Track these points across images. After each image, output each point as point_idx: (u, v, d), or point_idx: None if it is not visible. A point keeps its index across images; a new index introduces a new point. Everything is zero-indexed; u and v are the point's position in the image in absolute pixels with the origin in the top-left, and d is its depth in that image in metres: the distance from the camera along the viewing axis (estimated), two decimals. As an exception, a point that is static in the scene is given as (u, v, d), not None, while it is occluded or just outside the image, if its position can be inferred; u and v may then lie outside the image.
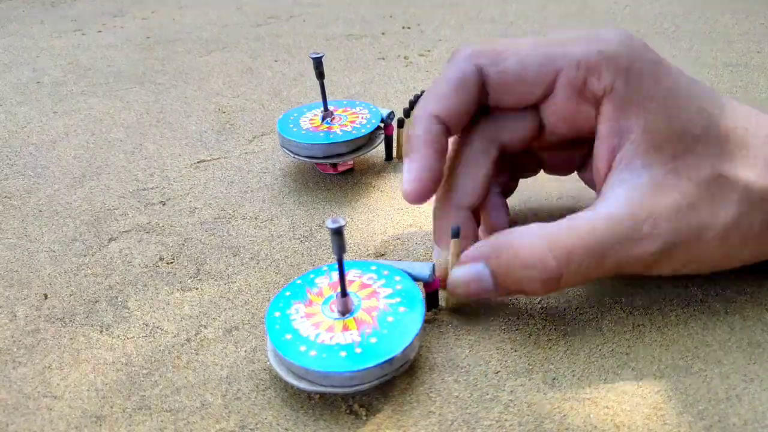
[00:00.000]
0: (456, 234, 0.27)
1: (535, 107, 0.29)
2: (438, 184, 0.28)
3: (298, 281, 0.28)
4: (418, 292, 0.27)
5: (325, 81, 0.40)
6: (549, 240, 0.25)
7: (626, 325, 0.28)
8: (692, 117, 0.26)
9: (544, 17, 0.76)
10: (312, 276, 0.28)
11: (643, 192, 0.25)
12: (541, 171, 0.34)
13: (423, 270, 0.28)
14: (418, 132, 0.28)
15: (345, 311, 0.26)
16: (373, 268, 0.28)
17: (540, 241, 0.25)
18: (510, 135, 0.29)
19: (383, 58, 0.64)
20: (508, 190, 0.34)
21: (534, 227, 0.26)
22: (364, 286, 0.27)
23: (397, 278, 0.27)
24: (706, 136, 0.26)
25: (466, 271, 0.26)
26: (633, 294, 0.30)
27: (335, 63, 0.63)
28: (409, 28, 0.74)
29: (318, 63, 0.38)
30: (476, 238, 0.29)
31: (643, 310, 0.29)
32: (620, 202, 0.25)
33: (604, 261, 0.25)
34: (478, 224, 0.30)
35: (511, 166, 0.33)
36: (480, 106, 0.29)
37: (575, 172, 0.34)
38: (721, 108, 0.26)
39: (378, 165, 0.43)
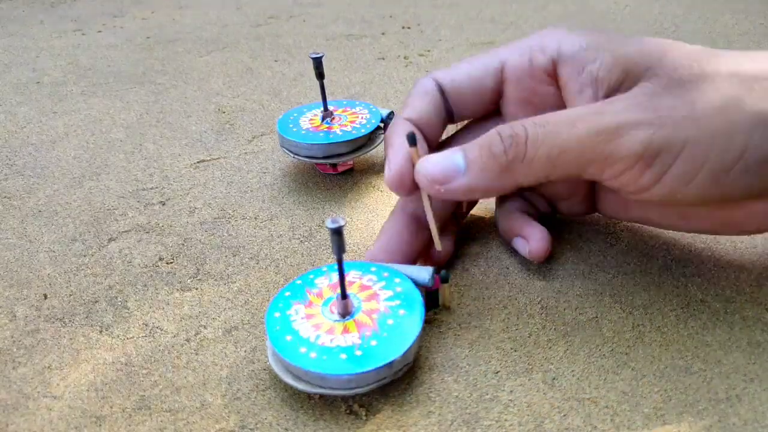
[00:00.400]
0: (412, 141, 0.27)
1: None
2: (410, 172, 0.28)
3: (298, 282, 0.28)
4: (418, 295, 0.27)
5: (325, 81, 0.40)
6: (525, 120, 0.25)
7: (626, 325, 0.28)
8: (639, 53, 0.26)
9: (544, 17, 0.76)
10: (311, 276, 0.28)
11: (626, 98, 0.25)
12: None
13: (422, 274, 0.27)
14: (394, 131, 0.29)
15: (345, 313, 0.26)
16: (373, 269, 0.28)
17: (515, 120, 0.26)
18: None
19: (383, 58, 0.64)
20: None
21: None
22: (364, 287, 0.27)
23: (397, 280, 0.27)
24: (654, 69, 0.25)
25: (438, 155, 0.26)
26: (633, 294, 0.30)
27: (335, 63, 0.63)
28: (409, 28, 0.74)
29: (318, 63, 0.38)
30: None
31: (643, 309, 0.29)
32: (600, 103, 0.25)
33: (583, 144, 0.24)
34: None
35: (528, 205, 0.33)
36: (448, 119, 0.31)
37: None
38: (666, 46, 0.26)
39: (378, 165, 0.43)
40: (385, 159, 0.29)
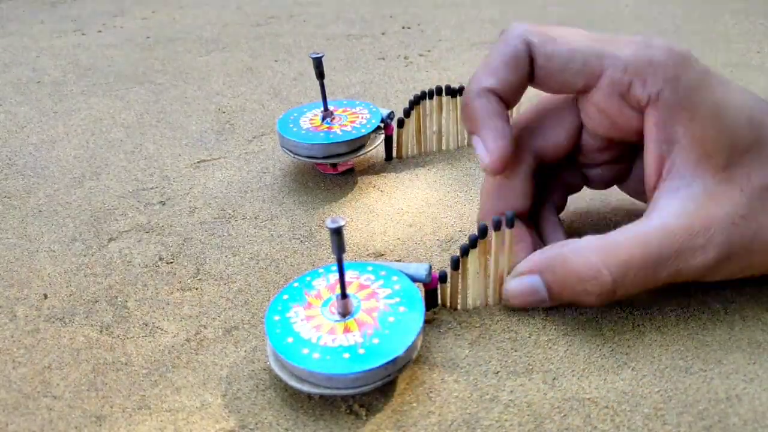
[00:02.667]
0: (510, 224, 0.27)
1: (575, 112, 0.29)
2: (511, 150, 0.28)
3: (295, 284, 0.28)
4: (417, 292, 0.27)
5: (325, 81, 0.40)
6: (604, 254, 0.25)
7: (626, 325, 0.28)
8: (742, 126, 0.26)
9: (545, 17, 0.76)
10: (309, 279, 0.28)
11: (696, 203, 0.25)
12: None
13: (419, 270, 0.28)
14: (478, 106, 0.28)
15: (345, 313, 0.26)
16: (370, 268, 0.28)
17: (595, 256, 0.25)
18: (542, 144, 0.30)
19: (383, 58, 0.64)
20: (559, 208, 0.34)
21: (588, 240, 0.26)
22: (362, 287, 0.27)
23: (395, 278, 0.27)
24: (757, 146, 0.26)
25: (521, 284, 0.28)
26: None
27: (335, 63, 0.63)
28: (409, 28, 0.74)
29: (318, 63, 0.38)
30: (532, 246, 0.30)
31: (643, 310, 0.29)
32: (673, 213, 0.25)
33: (658, 272, 0.25)
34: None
35: (559, 184, 0.33)
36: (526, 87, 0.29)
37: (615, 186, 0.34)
38: None
39: (378, 165, 0.43)
40: (471, 132, 0.28)
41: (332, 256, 0.33)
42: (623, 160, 0.31)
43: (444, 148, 0.44)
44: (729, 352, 0.26)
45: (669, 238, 0.25)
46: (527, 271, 0.27)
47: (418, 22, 0.76)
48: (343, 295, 0.25)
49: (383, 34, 0.72)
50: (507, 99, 0.28)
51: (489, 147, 0.27)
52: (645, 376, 0.26)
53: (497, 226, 0.27)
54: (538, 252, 0.28)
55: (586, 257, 0.26)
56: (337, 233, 0.23)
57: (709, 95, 0.26)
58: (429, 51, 0.66)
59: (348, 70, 0.61)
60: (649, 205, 0.27)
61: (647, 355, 0.26)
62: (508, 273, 0.28)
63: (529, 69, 0.28)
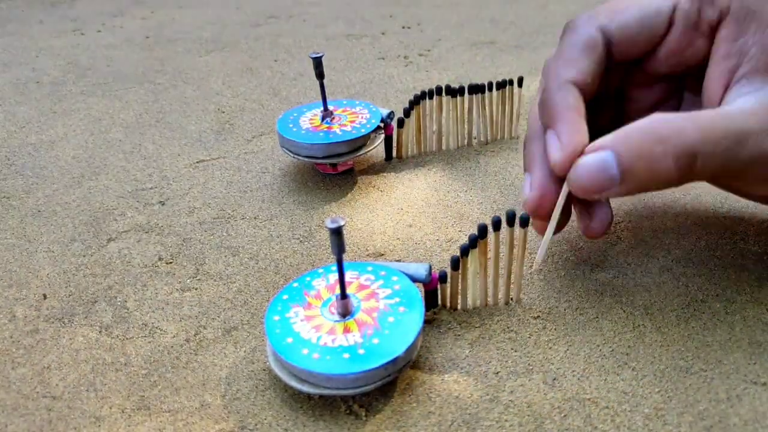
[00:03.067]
0: (524, 223, 0.26)
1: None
2: (584, 149, 0.26)
3: (295, 284, 0.28)
4: (417, 292, 0.27)
5: (325, 81, 0.39)
6: (684, 117, 0.24)
7: (626, 325, 0.28)
8: None
9: (545, 17, 0.76)
10: (308, 279, 0.28)
11: None
12: None
13: (419, 270, 0.27)
14: (557, 100, 0.26)
15: (345, 313, 0.26)
16: (370, 269, 0.28)
17: (675, 117, 0.24)
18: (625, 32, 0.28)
19: (383, 58, 0.64)
20: None
21: (663, 113, 0.24)
22: (362, 287, 0.27)
23: (395, 278, 0.27)
24: None
25: (590, 160, 0.24)
26: (633, 294, 0.30)
27: (335, 63, 0.63)
28: (409, 27, 0.74)
29: (318, 63, 0.38)
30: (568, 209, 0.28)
31: (644, 310, 0.29)
32: (750, 102, 0.24)
33: (742, 149, 0.23)
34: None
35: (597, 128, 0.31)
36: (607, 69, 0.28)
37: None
38: None
39: (378, 165, 0.43)
40: (547, 126, 0.27)
41: (332, 256, 0.33)
42: (672, 100, 0.31)
43: (444, 148, 0.44)
44: (729, 353, 0.26)
45: (752, 116, 0.24)
46: (597, 147, 0.25)
47: (417, 22, 0.76)
48: (343, 296, 0.25)
49: (383, 33, 0.72)
50: (587, 89, 0.27)
51: (563, 141, 0.26)
52: (645, 376, 0.26)
53: (497, 226, 0.27)
54: (609, 134, 0.25)
55: (666, 118, 0.24)
56: (336, 233, 0.23)
57: None
58: (429, 51, 0.66)
59: (348, 70, 0.61)
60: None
61: (647, 356, 0.26)
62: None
63: (604, 53, 0.27)
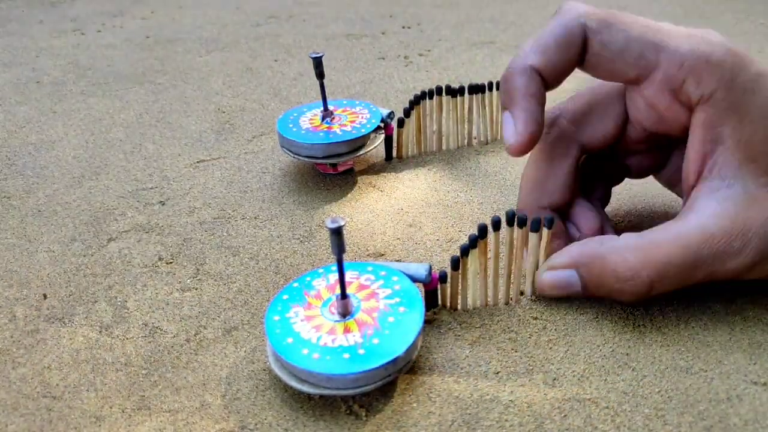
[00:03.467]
0: (549, 225, 0.27)
1: (621, 102, 0.30)
2: (539, 136, 0.27)
3: (295, 284, 0.28)
4: (417, 292, 0.27)
5: (325, 81, 0.40)
6: (643, 255, 0.26)
7: (627, 325, 0.28)
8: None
9: (545, 17, 0.76)
10: (308, 279, 0.28)
11: (735, 205, 0.25)
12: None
13: (419, 270, 0.27)
14: (518, 84, 0.27)
15: (345, 313, 0.26)
16: (370, 269, 0.28)
17: (634, 257, 0.26)
18: (590, 134, 0.30)
19: (383, 58, 0.64)
20: (603, 201, 0.34)
21: (626, 239, 0.27)
22: (362, 287, 0.27)
23: (395, 278, 0.27)
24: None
25: (556, 276, 0.28)
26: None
27: (335, 63, 0.63)
28: (409, 27, 0.74)
29: (318, 63, 0.38)
30: (567, 239, 0.30)
31: (644, 310, 0.29)
32: (712, 213, 0.25)
33: (695, 273, 0.25)
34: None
35: (601, 177, 0.33)
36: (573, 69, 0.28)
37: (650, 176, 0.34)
38: None
39: (378, 165, 0.43)
40: (503, 109, 0.28)
41: (332, 256, 0.33)
42: (662, 149, 0.31)
43: (444, 148, 0.44)
44: (730, 353, 0.26)
45: (707, 240, 0.25)
46: (564, 265, 0.28)
47: (417, 22, 0.76)
48: (343, 296, 0.25)
49: (383, 33, 0.72)
50: (550, 80, 0.27)
51: (518, 128, 0.27)
52: (645, 376, 0.26)
53: (497, 226, 0.27)
54: (576, 245, 0.28)
55: (625, 258, 0.26)
56: (336, 233, 0.23)
57: (761, 99, 0.25)
58: (429, 51, 0.66)
59: (348, 69, 0.61)
60: (686, 203, 0.27)
61: (648, 356, 0.26)
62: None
63: (579, 52, 0.27)
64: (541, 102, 0.27)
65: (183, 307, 0.31)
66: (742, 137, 0.25)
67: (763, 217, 0.25)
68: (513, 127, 0.27)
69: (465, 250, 0.27)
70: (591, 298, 0.29)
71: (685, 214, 0.26)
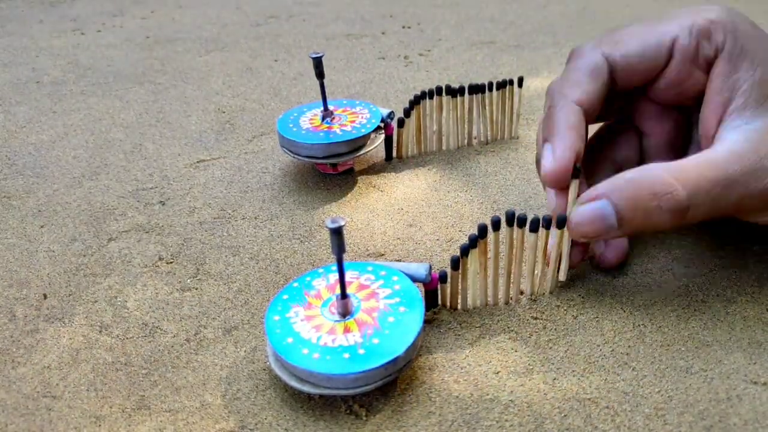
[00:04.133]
0: (576, 174, 0.27)
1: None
2: (571, 166, 0.28)
3: (295, 284, 0.28)
4: (417, 292, 0.27)
5: (325, 81, 0.40)
6: (677, 172, 0.26)
7: (627, 325, 0.28)
8: None
9: (545, 17, 0.76)
10: (308, 279, 0.28)
11: (759, 134, 0.26)
12: None
13: (419, 270, 0.27)
14: (560, 117, 0.28)
15: (345, 313, 0.26)
16: (370, 269, 0.28)
17: (667, 174, 0.26)
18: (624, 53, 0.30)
19: (383, 58, 0.64)
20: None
21: (654, 164, 0.27)
22: (362, 287, 0.27)
23: (395, 278, 0.27)
24: None
25: (589, 210, 0.26)
26: (634, 294, 0.30)
27: (335, 62, 0.63)
28: (409, 27, 0.74)
29: (318, 62, 0.38)
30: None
31: (644, 309, 0.29)
32: (737, 140, 0.26)
33: (729, 193, 0.25)
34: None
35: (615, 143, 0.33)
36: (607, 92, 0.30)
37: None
38: None
39: (378, 165, 0.43)
40: (542, 142, 0.29)
41: (332, 256, 0.33)
42: (683, 133, 0.32)
43: (444, 148, 0.44)
44: (730, 353, 0.26)
45: (737, 159, 0.25)
46: (594, 197, 0.26)
47: (417, 22, 0.76)
48: (343, 295, 0.25)
49: (383, 33, 0.72)
50: (591, 110, 0.29)
51: (556, 154, 0.28)
52: (646, 376, 0.26)
53: (496, 226, 0.27)
54: (601, 183, 0.27)
55: (659, 175, 0.26)
56: (337, 233, 0.23)
57: (765, 42, 0.27)
58: (429, 51, 0.66)
59: (348, 69, 0.61)
60: (705, 147, 0.27)
61: (648, 356, 0.26)
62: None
63: (609, 77, 0.29)
64: (581, 135, 0.28)
65: (183, 307, 0.31)
66: (756, 78, 0.27)
67: None
68: (551, 155, 0.28)
69: (465, 250, 0.27)
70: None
71: (710, 147, 0.27)
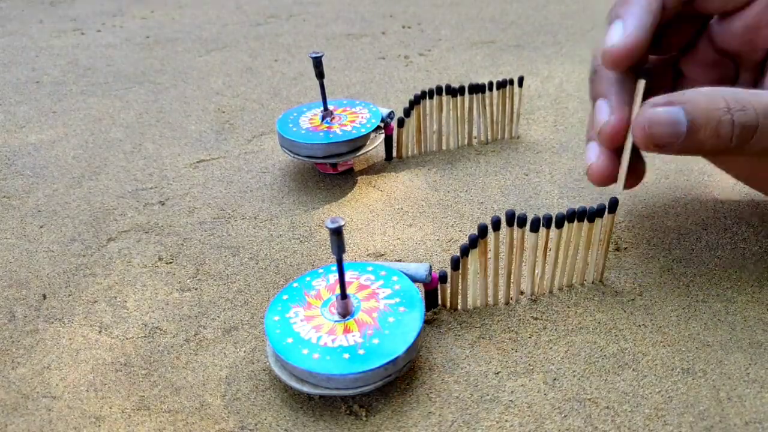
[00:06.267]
0: (648, 75, 0.27)
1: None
2: (645, 48, 0.27)
3: (295, 285, 0.28)
4: (417, 292, 0.27)
5: (325, 80, 0.39)
6: (750, 93, 0.25)
7: (627, 325, 0.28)
8: None
9: (545, 17, 0.76)
10: (308, 279, 0.28)
11: None
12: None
13: (419, 270, 0.27)
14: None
15: (345, 313, 0.26)
16: (370, 269, 0.28)
17: (742, 92, 0.25)
18: None
19: (383, 58, 0.64)
20: None
21: (728, 88, 0.26)
22: (362, 287, 0.27)
23: (395, 278, 0.27)
24: None
25: (664, 112, 0.26)
26: (634, 294, 0.30)
27: (335, 62, 0.63)
28: (409, 27, 0.74)
29: (318, 62, 0.38)
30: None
31: (644, 310, 0.29)
32: None
33: None
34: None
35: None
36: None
37: None
38: None
39: (378, 165, 0.43)
40: (611, 19, 0.28)
41: (332, 256, 0.33)
42: (728, 81, 0.32)
43: (444, 147, 0.44)
44: (730, 353, 0.26)
45: None
46: (668, 101, 0.26)
47: (418, 22, 0.76)
48: (343, 296, 0.25)
49: (383, 33, 0.72)
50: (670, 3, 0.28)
51: (627, 29, 0.27)
52: (646, 376, 0.25)
53: (496, 226, 0.27)
54: (677, 92, 0.26)
55: (735, 92, 0.25)
56: (336, 233, 0.23)
57: None
58: (429, 50, 0.66)
59: (348, 69, 0.61)
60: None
61: (648, 356, 0.26)
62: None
63: None
64: (656, 16, 0.27)
65: (183, 307, 0.31)
66: None
67: None
68: (621, 29, 0.27)
69: (465, 250, 0.27)
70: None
71: None
